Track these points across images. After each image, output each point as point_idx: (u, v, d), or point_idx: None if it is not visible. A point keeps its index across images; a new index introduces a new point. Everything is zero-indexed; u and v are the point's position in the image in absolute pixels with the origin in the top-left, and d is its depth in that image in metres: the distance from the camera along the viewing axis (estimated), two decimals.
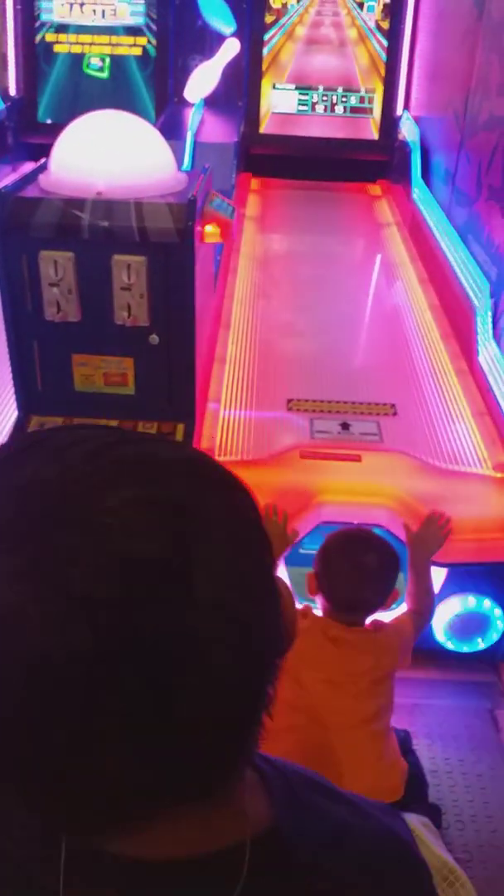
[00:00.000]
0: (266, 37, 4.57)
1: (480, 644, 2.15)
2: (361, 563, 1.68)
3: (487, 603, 2.08)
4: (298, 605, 1.82)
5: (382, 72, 4.63)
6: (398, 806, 1.69)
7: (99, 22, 4.49)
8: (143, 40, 4.53)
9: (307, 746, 1.66)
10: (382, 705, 1.70)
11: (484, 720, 2.07)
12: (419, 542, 1.83)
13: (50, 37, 4.52)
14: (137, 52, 4.54)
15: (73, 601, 0.41)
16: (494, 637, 2.14)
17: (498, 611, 2.09)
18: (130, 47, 4.54)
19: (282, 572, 1.98)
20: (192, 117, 3.99)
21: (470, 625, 2.11)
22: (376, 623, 1.72)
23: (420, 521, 1.87)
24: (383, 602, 1.70)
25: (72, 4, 4.45)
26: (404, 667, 1.73)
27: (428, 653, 2.10)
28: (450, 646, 2.16)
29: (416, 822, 1.82)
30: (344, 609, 1.69)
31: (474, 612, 2.09)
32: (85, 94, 4.57)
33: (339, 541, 1.74)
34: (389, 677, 1.72)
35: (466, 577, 2.05)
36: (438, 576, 2.03)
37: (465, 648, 2.16)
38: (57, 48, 4.54)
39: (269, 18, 4.55)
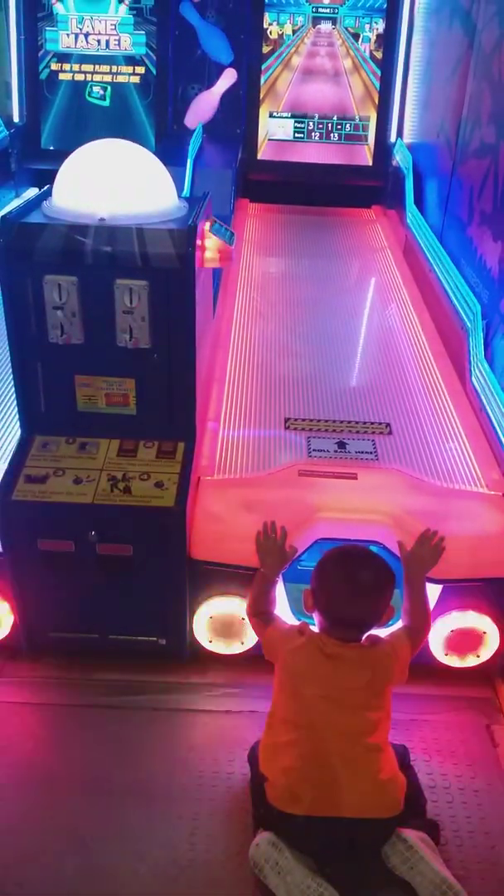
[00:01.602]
0: (263, 66, 4.69)
1: (477, 660, 2.18)
2: (356, 580, 1.71)
3: (483, 619, 2.10)
4: (295, 622, 1.85)
5: (376, 100, 4.75)
6: (398, 821, 1.71)
7: (102, 52, 4.60)
8: (143, 69, 4.64)
9: (307, 761, 1.68)
10: (379, 719, 1.72)
11: (481, 736, 2.09)
12: (414, 560, 1.86)
13: (54, 66, 4.63)
14: (137, 80, 4.66)
15: None
16: (490, 653, 2.16)
17: (493, 627, 2.11)
18: (131, 76, 4.65)
19: (280, 589, 2.02)
20: (192, 144, 4.08)
21: (466, 641, 2.14)
22: (372, 638, 1.74)
23: (414, 539, 1.90)
24: (379, 618, 1.72)
25: (77, 35, 4.57)
26: (401, 682, 1.75)
27: (424, 668, 2.11)
28: (446, 661, 2.18)
29: (414, 837, 1.84)
30: (340, 625, 1.71)
31: (470, 628, 2.11)
32: (87, 122, 4.68)
33: (334, 558, 1.76)
34: (387, 692, 1.74)
35: (461, 593, 2.08)
36: (434, 592, 2.06)
37: (462, 664, 2.18)
38: (60, 77, 4.65)
39: (266, 49, 4.67)
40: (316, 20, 4.64)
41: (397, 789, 1.72)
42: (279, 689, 1.77)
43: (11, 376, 2.07)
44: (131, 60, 4.62)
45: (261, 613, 1.88)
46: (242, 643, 2.17)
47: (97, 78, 4.66)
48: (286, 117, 4.78)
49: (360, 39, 4.66)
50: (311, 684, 1.70)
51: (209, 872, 1.74)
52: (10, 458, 2.08)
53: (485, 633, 2.12)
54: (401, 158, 4.55)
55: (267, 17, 4.61)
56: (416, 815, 1.77)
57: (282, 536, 1.89)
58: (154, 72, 4.63)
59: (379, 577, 1.71)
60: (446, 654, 2.16)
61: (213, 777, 1.94)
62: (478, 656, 2.17)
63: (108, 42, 4.58)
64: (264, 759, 1.76)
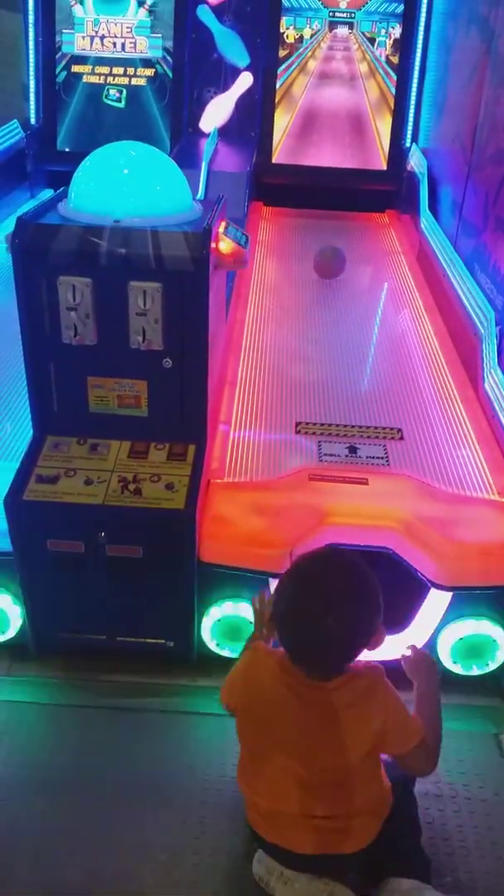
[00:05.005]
0: (279, 70, 4.70)
1: (486, 668, 2.16)
2: (311, 592, 1.37)
3: (493, 627, 2.09)
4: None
5: (392, 105, 4.74)
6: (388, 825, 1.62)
7: (118, 54, 4.62)
8: (156, 71, 4.65)
9: (272, 794, 1.57)
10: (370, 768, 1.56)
11: (489, 745, 2.07)
12: (412, 673, 1.69)
13: (76, 68, 4.64)
14: (154, 83, 4.67)
15: None
16: (500, 661, 2.15)
17: (503, 635, 2.10)
18: (147, 79, 4.67)
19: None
20: (207, 147, 4.09)
21: (475, 649, 2.12)
22: (354, 671, 1.45)
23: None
24: (354, 646, 1.41)
25: (92, 37, 4.59)
26: (397, 752, 1.54)
27: None
28: (455, 669, 2.16)
29: (405, 886, 1.72)
30: (297, 657, 1.44)
31: (480, 635, 2.10)
32: (103, 124, 4.70)
33: (292, 567, 1.45)
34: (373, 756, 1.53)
35: (472, 600, 2.06)
36: (443, 600, 2.05)
37: (471, 672, 2.17)
38: (76, 79, 4.67)
39: (282, 52, 4.68)
40: (332, 24, 4.64)
41: (374, 825, 1.57)
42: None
43: (24, 376, 2.07)
44: (148, 63, 4.63)
45: None
46: None
47: (114, 80, 4.67)
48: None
49: (377, 44, 4.65)
50: (281, 748, 1.48)
51: (214, 876, 1.73)
52: (21, 457, 2.09)
53: (494, 641, 2.11)
54: (415, 163, 4.54)
55: (283, 22, 4.62)
56: (412, 848, 1.66)
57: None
58: (170, 74, 4.64)
59: (346, 587, 1.37)
60: (456, 662, 2.15)
61: (218, 780, 1.93)
62: (487, 664, 2.15)
63: (123, 45, 4.60)
64: (239, 773, 1.64)
